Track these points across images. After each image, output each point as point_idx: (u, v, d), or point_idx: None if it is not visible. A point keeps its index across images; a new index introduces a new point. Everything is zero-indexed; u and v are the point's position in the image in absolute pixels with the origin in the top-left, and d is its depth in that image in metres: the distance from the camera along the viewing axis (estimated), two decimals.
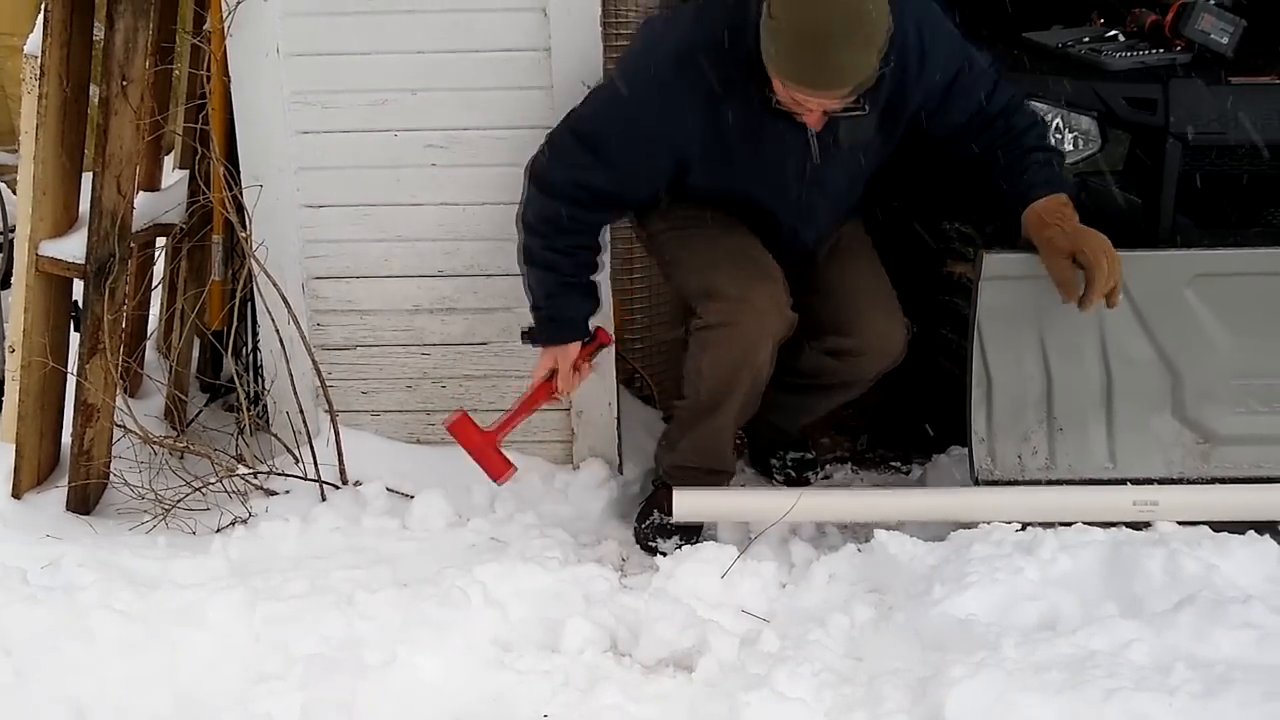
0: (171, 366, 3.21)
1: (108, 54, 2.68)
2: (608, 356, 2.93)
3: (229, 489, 2.90)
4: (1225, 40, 2.90)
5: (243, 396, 3.05)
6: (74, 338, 2.90)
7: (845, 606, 2.46)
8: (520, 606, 2.44)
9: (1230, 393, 2.71)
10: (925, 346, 3.09)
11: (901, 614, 2.37)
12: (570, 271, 2.62)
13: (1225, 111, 2.80)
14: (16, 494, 2.83)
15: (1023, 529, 2.54)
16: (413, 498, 2.89)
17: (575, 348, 2.68)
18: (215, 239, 3.11)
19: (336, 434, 2.95)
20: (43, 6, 2.73)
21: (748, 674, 2.26)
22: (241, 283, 3.03)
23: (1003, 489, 2.72)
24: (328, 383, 2.96)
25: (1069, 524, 2.54)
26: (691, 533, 2.83)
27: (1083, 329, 2.67)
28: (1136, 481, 2.71)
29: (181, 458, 2.98)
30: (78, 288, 2.86)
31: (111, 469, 2.92)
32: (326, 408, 2.96)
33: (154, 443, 2.93)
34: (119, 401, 2.88)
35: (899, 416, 3.39)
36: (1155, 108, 2.83)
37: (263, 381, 3.06)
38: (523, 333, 2.73)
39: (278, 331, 2.93)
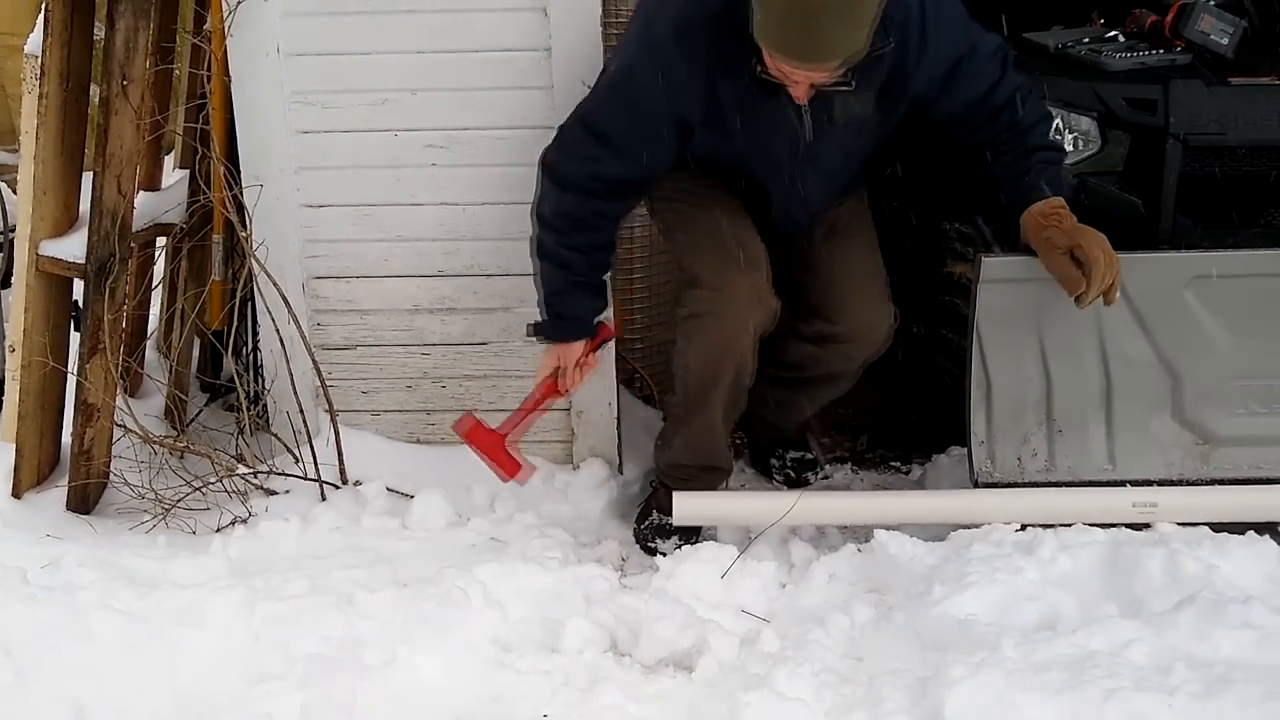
0: (171, 366, 3.21)
1: (108, 54, 2.68)
2: (608, 356, 2.93)
3: (229, 489, 2.90)
4: (1225, 41, 2.90)
5: (243, 396, 3.05)
6: (74, 337, 2.90)
7: (845, 606, 2.46)
8: (520, 606, 2.44)
9: (1230, 394, 2.71)
10: (925, 346, 3.10)
11: (901, 614, 2.37)
12: (582, 270, 2.61)
13: (1225, 112, 2.81)
14: (16, 493, 2.84)
15: (1022, 529, 2.54)
16: (413, 497, 2.89)
17: (579, 346, 2.68)
18: (215, 239, 3.11)
19: (336, 434, 2.95)
20: (43, 6, 2.73)
21: (748, 674, 2.27)
22: (241, 282, 3.03)
23: (1002, 491, 2.72)
24: (328, 382, 2.96)
25: (1069, 525, 2.54)
26: (691, 533, 2.84)
27: (1082, 331, 2.67)
28: (1136, 483, 2.70)
29: (181, 457, 2.98)
30: (78, 287, 2.86)
31: (111, 469, 2.92)
32: (326, 407, 2.96)
33: (154, 442, 2.93)
34: (119, 401, 2.88)
35: (899, 416, 3.39)
36: (1155, 108, 2.83)
37: (263, 381, 3.06)
38: (529, 327, 2.73)
39: (278, 331, 2.93)
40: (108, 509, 2.92)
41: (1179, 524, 2.59)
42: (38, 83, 2.72)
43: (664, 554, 2.75)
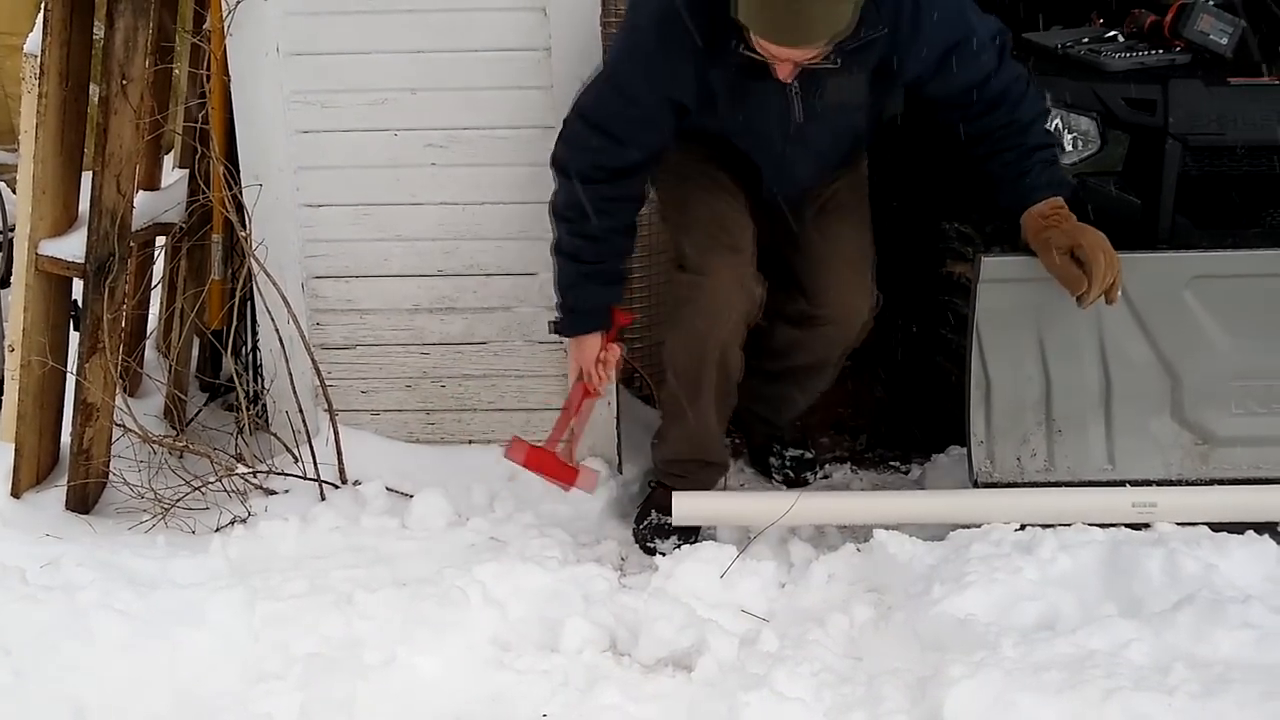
0: (171, 366, 3.20)
1: (108, 53, 2.68)
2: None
3: (228, 488, 2.89)
4: (1224, 41, 2.90)
5: (242, 396, 3.05)
6: (74, 337, 2.90)
7: (844, 606, 2.46)
8: (519, 606, 2.44)
9: (1229, 394, 2.71)
10: (925, 346, 3.10)
11: (901, 614, 2.37)
12: (592, 259, 2.63)
13: (1224, 112, 2.81)
14: (16, 493, 2.83)
15: (1022, 529, 2.54)
16: (412, 497, 2.89)
17: (595, 340, 2.70)
18: (215, 238, 3.11)
19: (336, 433, 2.95)
20: (42, 6, 2.73)
21: (747, 674, 2.26)
22: (241, 282, 3.03)
23: (1002, 491, 2.72)
24: (327, 382, 2.96)
25: (1068, 525, 2.54)
26: (690, 533, 2.84)
27: (1081, 331, 2.67)
28: (1135, 483, 2.71)
29: (181, 457, 2.98)
30: (77, 287, 2.86)
31: (111, 468, 2.91)
32: (326, 407, 2.96)
33: (153, 442, 2.93)
34: (118, 401, 2.88)
35: (898, 416, 3.39)
36: (1155, 109, 2.83)
37: (262, 381, 3.06)
38: (550, 324, 2.77)
39: (277, 331, 2.93)
40: (107, 509, 2.91)
41: (1178, 524, 2.59)
42: (37, 82, 2.72)
43: (663, 554, 2.75)
